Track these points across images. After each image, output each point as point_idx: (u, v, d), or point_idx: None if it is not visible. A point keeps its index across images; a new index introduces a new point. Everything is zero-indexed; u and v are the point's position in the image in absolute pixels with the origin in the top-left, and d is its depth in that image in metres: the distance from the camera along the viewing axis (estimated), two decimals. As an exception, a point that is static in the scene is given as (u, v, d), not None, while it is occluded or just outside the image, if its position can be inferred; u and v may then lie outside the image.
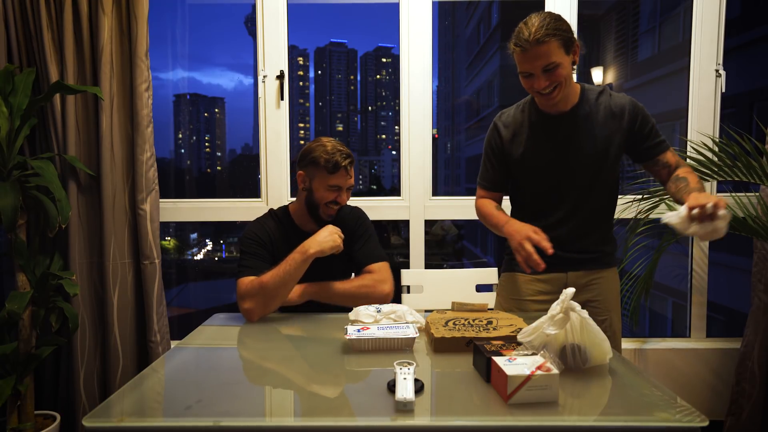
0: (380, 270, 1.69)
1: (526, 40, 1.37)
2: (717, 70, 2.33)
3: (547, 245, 1.37)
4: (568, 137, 1.53)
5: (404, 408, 0.90)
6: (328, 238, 1.56)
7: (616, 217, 2.22)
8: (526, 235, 1.39)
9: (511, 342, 1.12)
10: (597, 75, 4.66)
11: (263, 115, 2.40)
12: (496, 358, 1.00)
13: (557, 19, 1.41)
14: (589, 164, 1.53)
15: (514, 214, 1.67)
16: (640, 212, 2.18)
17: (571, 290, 1.10)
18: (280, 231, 1.71)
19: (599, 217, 1.61)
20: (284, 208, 1.77)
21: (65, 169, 2.16)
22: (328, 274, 1.65)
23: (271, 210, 1.78)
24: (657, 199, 2.14)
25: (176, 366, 1.19)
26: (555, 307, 1.11)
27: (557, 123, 1.53)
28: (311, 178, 1.66)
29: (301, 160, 1.69)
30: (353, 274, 1.76)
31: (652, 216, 2.21)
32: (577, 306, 1.09)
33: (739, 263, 2.95)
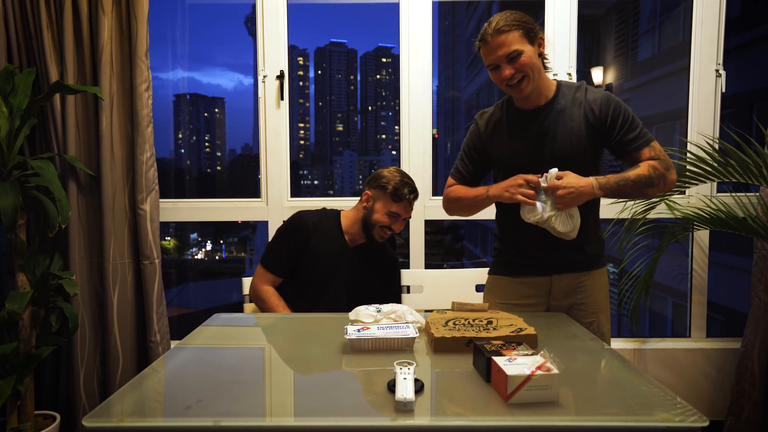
0: None
1: (489, 33, 1.44)
2: (717, 70, 2.33)
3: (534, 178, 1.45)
4: (543, 132, 1.52)
5: (404, 408, 0.90)
6: None
7: (614, 217, 2.23)
8: (515, 181, 1.46)
9: (511, 342, 1.12)
10: (597, 75, 4.65)
11: (263, 115, 2.40)
12: (496, 358, 1.00)
13: (518, 13, 1.46)
14: (565, 159, 1.50)
15: (498, 212, 1.68)
16: (635, 213, 2.18)
17: (554, 171, 1.41)
18: (321, 228, 1.83)
19: (581, 217, 1.57)
20: (336, 212, 1.91)
21: (65, 169, 2.16)
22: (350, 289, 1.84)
23: (324, 209, 1.92)
24: (657, 198, 2.14)
25: (176, 366, 1.19)
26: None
27: (532, 117, 1.54)
28: (375, 199, 1.81)
29: (371, 180, 1.84)
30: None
31: (651, 216, 2.21)
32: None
33: (739, 263, 2.95)
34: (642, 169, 1.45)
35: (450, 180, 1.70)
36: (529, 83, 1.46)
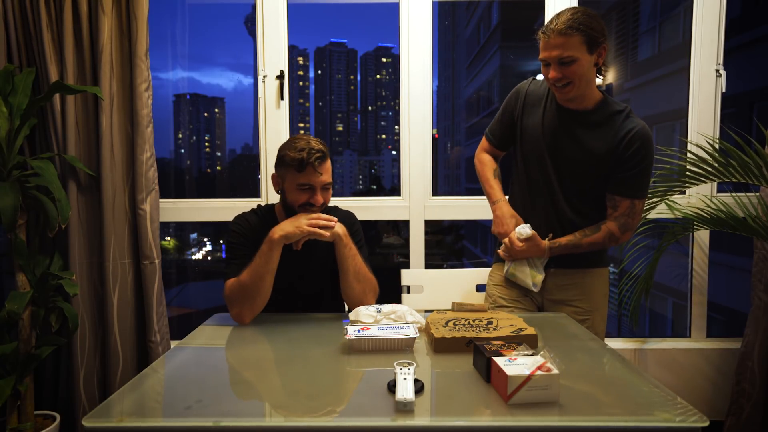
0: None
1: (551, 29, 1.39)
2: (717, 70, 2.33)
3: (517, 248, 1.57)
4: (568, 135, 1.53)
5: (404, 408, 0.90)
6: (293, 223, 1.50)
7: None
8: (507, 233, 1.59)
9: (511, 342, 1.12)
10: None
11: (263, 115, 2.40)
12: (496, 358, 1.00)
13: (590, 16, 1.40)
14: (577, 168, 1.52)
15: (512, 188, 1.72)
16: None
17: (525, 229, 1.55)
18: (263, 227, 1.62)
19: (584, 223, 1.58)
20: (270, 206, 1.72)
21: (65, 169, 2.16)
22: (305, 266, 1.64)
23: (258, 206, 1.75)
24: (657, 199, 2.14)
25: (176, 366, 1.19)
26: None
27: (564, 117, 1.54)
28: (283, 179, 1.58)
29: (275, 160, 1.63)
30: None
31: (651, 216, 2.21)
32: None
33: (739, 263, 2.95)
34: (598, 236, 1.52)
35: (483, 141, 1.75)
36: (572, 89, 1.44)
